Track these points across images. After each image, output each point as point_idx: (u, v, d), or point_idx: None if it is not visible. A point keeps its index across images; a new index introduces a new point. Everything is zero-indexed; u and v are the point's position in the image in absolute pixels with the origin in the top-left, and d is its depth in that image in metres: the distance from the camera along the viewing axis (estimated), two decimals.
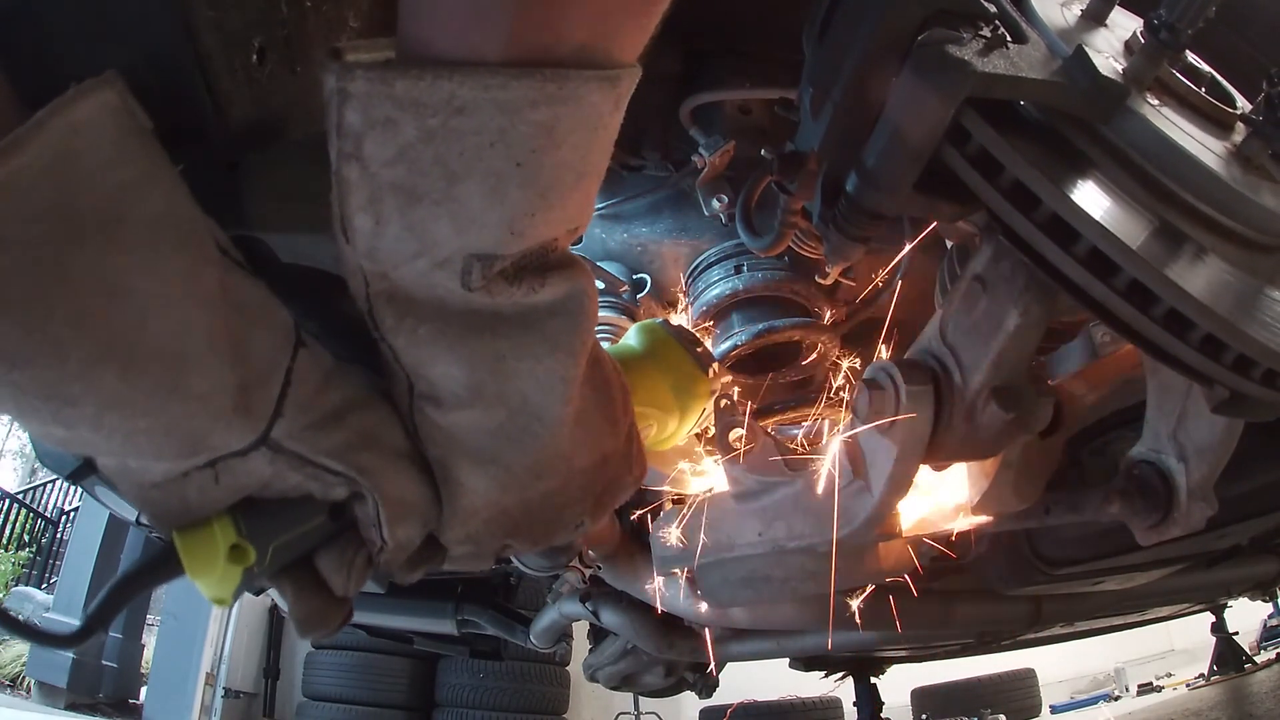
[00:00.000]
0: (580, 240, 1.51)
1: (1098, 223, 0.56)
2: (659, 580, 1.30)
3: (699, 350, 0.97)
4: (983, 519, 0.87)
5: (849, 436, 0.81)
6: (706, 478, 1.18)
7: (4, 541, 8.50)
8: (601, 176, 0.55)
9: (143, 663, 6.07)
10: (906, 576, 1.00)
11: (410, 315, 0.56)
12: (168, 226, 0.50)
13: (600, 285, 1.42)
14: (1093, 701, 6.68)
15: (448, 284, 0.54)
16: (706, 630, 1.53)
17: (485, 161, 0.48)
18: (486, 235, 0.52)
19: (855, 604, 1.15)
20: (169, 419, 0.51)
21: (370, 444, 0.60)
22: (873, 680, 2.80)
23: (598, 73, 0.48)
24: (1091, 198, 0.58)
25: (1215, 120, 0.69)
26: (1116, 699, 6.58)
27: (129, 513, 1.86)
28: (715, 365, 0.98)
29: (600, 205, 1.44)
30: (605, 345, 0.78)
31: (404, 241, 0.52)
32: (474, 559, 0.69)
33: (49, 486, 9.11)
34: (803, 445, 1.09)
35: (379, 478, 0.60)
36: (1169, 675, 6.32)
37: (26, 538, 8.78)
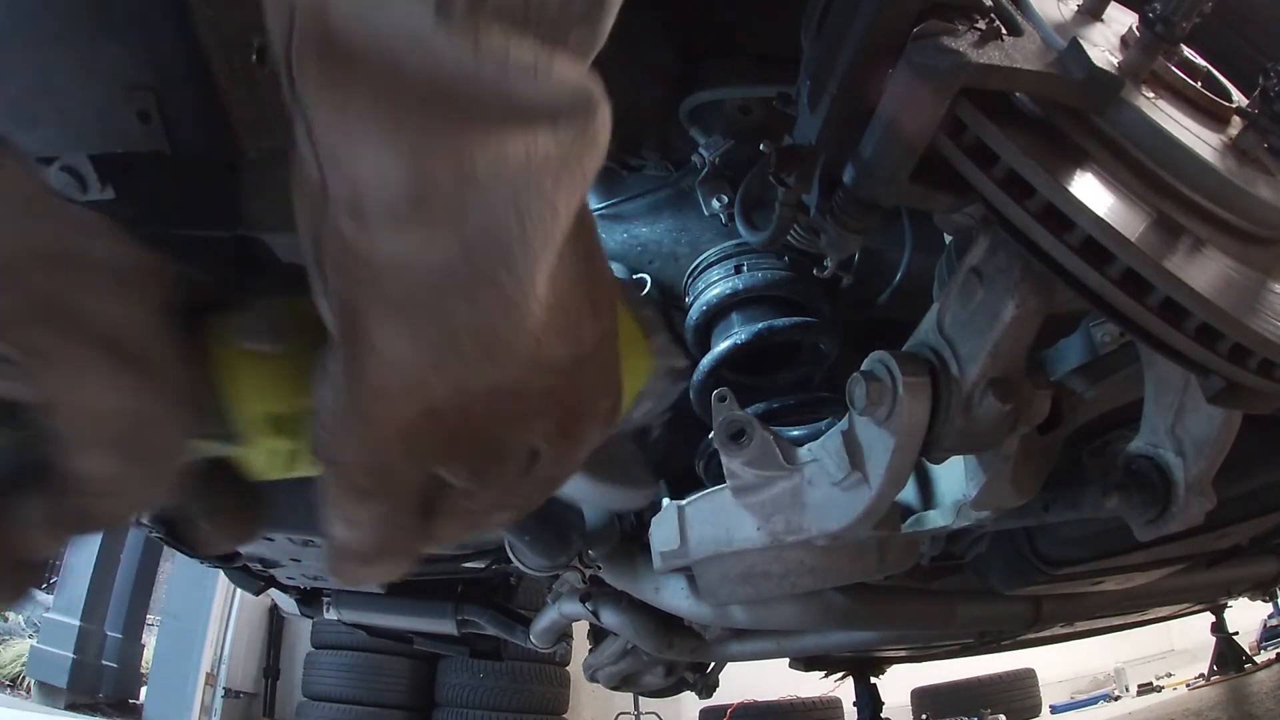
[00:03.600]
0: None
1: (1092, 210, 0.56)
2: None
3: (646, 314, 0.77)
4: (982, 514, 0.87)
5: (846, 429, 0.81)
6: None
7: None
8: None
9: (143, 663, 6.07)
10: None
11: (345, 71, 0.37)
12: None
13: None
14: (1093, 701, 6.69)
15: (416, 16, 0.35)
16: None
17: None
18: None
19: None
20: None
21: (56, 315, 0.40)
22: (873, 680, 2.81)
23: None
24: (1086, 187, 0.58)
25: (1211, 113, 0.69)
26: (1116, 699, 6.58)
27: None
28: (665, 337, 0.78)
29: (600, 205, 1.45)
30: None
31: None
32: (377, 508, 0.45)
33: None
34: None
35: (63, 369, 0.40)
36: (1169, 675, 6.33)
37: None
